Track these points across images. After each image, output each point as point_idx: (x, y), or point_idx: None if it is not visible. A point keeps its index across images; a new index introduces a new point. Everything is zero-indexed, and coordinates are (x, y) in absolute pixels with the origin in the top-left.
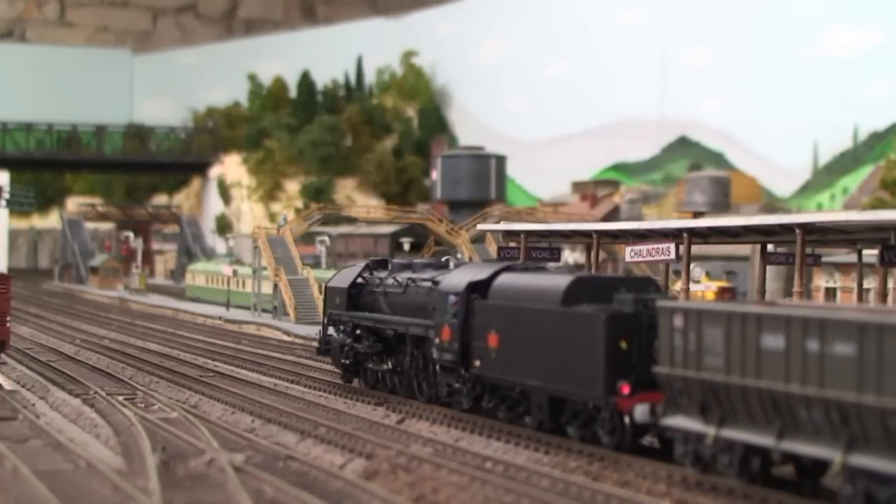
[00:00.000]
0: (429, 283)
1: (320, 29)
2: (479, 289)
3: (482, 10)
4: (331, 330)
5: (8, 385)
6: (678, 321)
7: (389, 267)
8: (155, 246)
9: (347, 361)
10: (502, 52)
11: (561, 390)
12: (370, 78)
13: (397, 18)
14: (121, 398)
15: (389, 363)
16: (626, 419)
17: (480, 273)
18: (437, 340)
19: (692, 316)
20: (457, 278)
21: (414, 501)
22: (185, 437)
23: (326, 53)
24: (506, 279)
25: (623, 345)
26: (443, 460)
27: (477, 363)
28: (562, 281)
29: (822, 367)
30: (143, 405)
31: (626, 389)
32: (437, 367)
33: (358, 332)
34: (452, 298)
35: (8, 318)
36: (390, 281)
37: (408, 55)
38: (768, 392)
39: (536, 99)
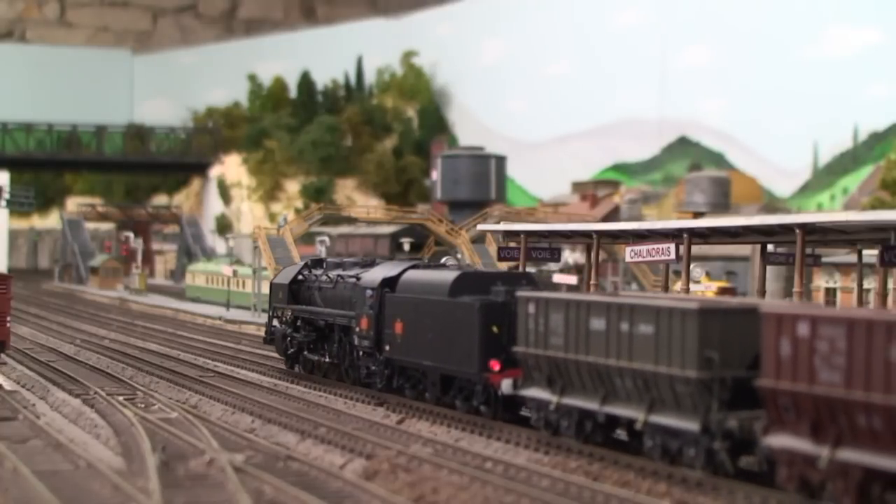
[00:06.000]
0: (353, 279)
1: (320, 29)
2: (390, 283)
3: (482, 10)
4: (275, 322)
5: (8, 385)
6: (531, 308)
7: (325, 265)
8: (155, 246)
9: (290, 350)
10: (502, 52)
11: (448, 369)
12: (370, 78)
13: (397, 18)
14: (121, 398)
15: (322, 350)
16: (499, 392)
17: (392, 270)
18: (357, 329)
19: (541, 304)
20: (374, 275)
21: (414, 501)
22: (185, 437)
23: (326, 53)
24: (410, 275)
25: (494, 329)
26: (443, 460)
27: (387, 348)
28: (449, 276)
29: (631, 344)
30: (143, 405)
31: (496, 366)
32: (359, 353)
33: (298, 323)
34: (369, 292)
35: (8, 319)
36: (324, 277)
37: (408, 55)
38: (594, 365)
39: (536, 99)
